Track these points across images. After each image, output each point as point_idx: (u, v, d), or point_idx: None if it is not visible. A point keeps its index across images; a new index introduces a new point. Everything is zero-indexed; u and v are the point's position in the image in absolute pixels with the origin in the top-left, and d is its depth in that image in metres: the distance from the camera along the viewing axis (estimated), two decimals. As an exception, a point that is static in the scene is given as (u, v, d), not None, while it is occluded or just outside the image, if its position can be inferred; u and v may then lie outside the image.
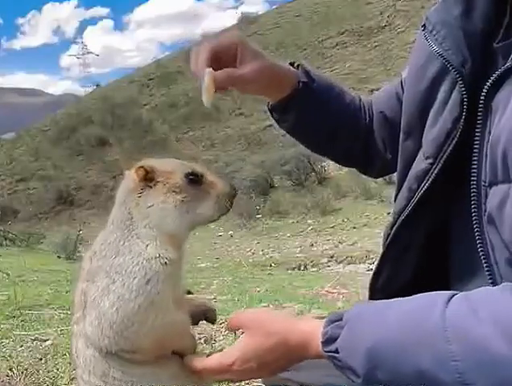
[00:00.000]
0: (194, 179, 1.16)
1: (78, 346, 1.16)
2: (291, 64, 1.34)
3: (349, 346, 0.92)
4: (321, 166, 19.29)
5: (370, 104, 1.42)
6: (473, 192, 0.99)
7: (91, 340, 1.11)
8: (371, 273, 1.31)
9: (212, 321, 1.33)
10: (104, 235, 1.17)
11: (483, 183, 0.96)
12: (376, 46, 33.32)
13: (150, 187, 1.15)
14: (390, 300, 0.97)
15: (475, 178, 0.99)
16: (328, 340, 0.95)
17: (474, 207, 0.99)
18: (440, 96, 1.08)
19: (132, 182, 1.16)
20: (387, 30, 34.19)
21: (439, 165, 1.06)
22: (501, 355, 0.76)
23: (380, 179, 14.37)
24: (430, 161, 1.08)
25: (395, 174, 1.31)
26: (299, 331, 1.01)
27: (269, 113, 1.39)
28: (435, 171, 1.07)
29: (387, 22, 34.63)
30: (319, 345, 0.97)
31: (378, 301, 1.01)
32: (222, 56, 1.20)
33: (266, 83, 1.27)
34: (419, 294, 0.94)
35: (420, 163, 1.12)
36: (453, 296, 0.87)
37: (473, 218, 0.99)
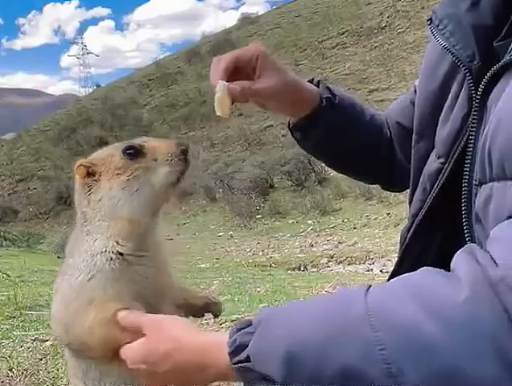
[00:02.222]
0: (134, 153, 1.09)
1: (65, 350, 1.20)
2: (310, 81, 1.30)
3: (262, 352, 0.82)
4: (321, 167, 19.24)
5: (386, 118, 1.40)
6: (465, 191, 0.98)
7: (58, 340, 1.15)
8: (387, 276, 1.29)
9: (216, 314, 1.29)
10: (69, 241, 1.19)
11: (474, 182, 0.94)
12: (376, 46, 33.28)
13: (96, 181, 1.11)
14: (302, 302, 0.92)
15: (467, 178, 0.97)
16: (237, 349, 0.85)
17: (465, 207, 0.98)
18: (451, 93, 1.06)
19: (78, 183, 1.14)
20: (387, 30, 34.17)
21: (451, 164, 1.04)
22: (428, 334, 0.70)
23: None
24: (442, 160, 1.07)
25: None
26: (196, 341, 0.93)
27: (289, 133, 1.35)
28: (447, 171, 1.05)
29: (387, 22, 34.61)
30: (224, 355, 0.86)
31: (289, 302, 0.93)
32: (243, 68, 1.17)
33: (286, 100, 1.22)
34: (322, 299, 0.91)
35: (432, 163, 1.10)
36: (371, 286, 0.81)
37: (463, 216, 0.98)
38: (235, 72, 1.15)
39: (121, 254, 1.07)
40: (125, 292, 1.08)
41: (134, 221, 1.10)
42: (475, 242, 0.96)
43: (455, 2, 1.06)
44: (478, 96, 0.97)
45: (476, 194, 0.94)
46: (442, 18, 1.07)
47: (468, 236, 0.98)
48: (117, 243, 1.08)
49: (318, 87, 1.29)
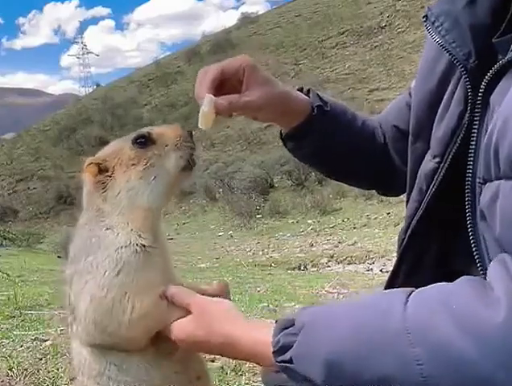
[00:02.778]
0: (143, 142, 1.10)
1: (73, 347, 1.15)
2: (300, 90, 1.29)
3: (305, 355, 0.86)
4: (321, 166, 19.25)
5: (379, 123, 1.39)
6: (468, 189, 0.97)
7: (84, 341, 1.10)
8: (387, 276, 1.29)
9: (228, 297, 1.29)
10: (75, 240, 1.15)
11: (478, 180, 0.94)
12: (376, 46, 33.29)
13: (110, 177, 1.10)
14: (344, 302, 0.91)
15: (470, 176, 0.97)
16: (281, 349, 0.88)
17: (468, 205, 0.97)
18: (447, 92, 1.06)
19: (89, 183, 1.12)
20: (387, 30, 34.17)
21: (447, 163, 1.04)
22: (465, 354, 0.73)
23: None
24: (437, 160, 1.06)
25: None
26: (246, 339, 0.96)
27: (282, 143, 1.34)
28: (443, 170, 1.05)
29: (387, 22, 34.61)
30: (268, 354, 0.90)
31: (332, 303, 0.95)
32: (229, 79, 1.16)
33: (275, 111, 1.21)
34: (372, 295, 0.92)
35: (428, 163, 1.10)
36: (410, 294, 0.83)
37: (467, 215, 0.97)
38: (221, 84, 1.14)
39: (143, 246, 1.08)
40: (152, 282, 1.09)
41: (153, 209, 1.11)
42: (479, 240, 0.96)
43: (451, 0, 1.05)
44: (480, 95, 0.96)
45: (480, 192, 0.93)
46: (438, 15, 1.05)
47: (471, 234, 0.97)
48: (139, 236, 1.08)
49: (308, 96, 1.28)
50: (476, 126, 0.97)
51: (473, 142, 0.97)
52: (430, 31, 1.05)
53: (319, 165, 1.39)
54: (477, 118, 0.97)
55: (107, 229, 1.08)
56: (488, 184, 0.89)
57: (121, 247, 1.06)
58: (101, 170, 1.10)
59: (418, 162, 1.15)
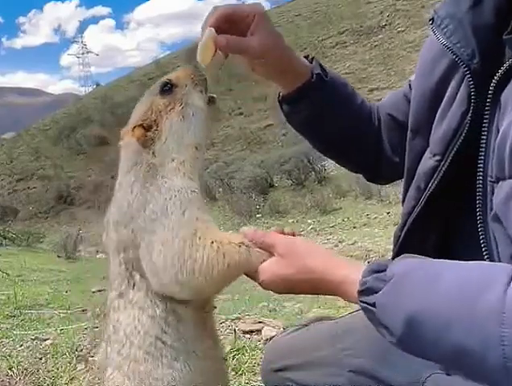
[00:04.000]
0: (168, 88, 1.19)
1: (120, 319, 1.13)
2: (306, 57, 1.30)
3: (389, 305, 0.86)
4: (321, 166, 19.25)
5: (377, 108, 1.40)
6: (479, 188, 0.98)
7: (163, 292, 1.09)
8: None
9: None
10: (117, 204, 1.16)
11: (489, 179, 0.94)
12: (376, 45, 33.27)
13: (156, 130, 1.16)
14: (441, 262, 0.89)
15: (481, 174, 0.97)
16: (366, 291, 0.90)
17: (479, 203, 0.98)
18: (449, 91, 1.06)
19: (136, 145, 1.16)
20: (387, 29, 34.15)
21: (448, 162, 1.05)
22: None
23: (380, 179, 14.33)
24: (438, 158, 1.07)
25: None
26: (336, 274, 0.98)
27: (279, 106, 1.35)
28: (444, 168, 1.06)
29: (387, 21, 34.58)
30: (354, 292, 0.92)
31: (428, 260, 0.91)
32: (238, 23, 1.16)
33: (274, 65, 1.21)
34: (475, 263, 0.88)
35: (428, 161, 1.10)
36: None
37: (478, 214, 0.98)
38: (229, 27, 1.15)
39: (197, 189, 1.15)
40: (214, 223, 1.14)
41: (200, 146, 1.19)
42: (489, 238, 0.96)
43: (456, 2, 1.07)
44: (490, 94, 0.97)
45: (492, 191, 0.94)
46: (443, 17, 1.07)
47: (481, 232, 0.98)
48: (191, 179, 1.15)
49: (311, 63, 1.29)
50: (486, 125, 0.97)
51: (484, 141, 0.97)
52: (436, 33, 1.08)
53: (311, 135, 1.38)
54: (487, 117, 0.97)
55: (162, 178, 1.13)
56: (501, 183, 0.90)
57: (181, 189, 1.12)
58: (146, 129, 1.16)
59: (416, 159, 1.15)
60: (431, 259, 0.91)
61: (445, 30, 1.06)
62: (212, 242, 1.07)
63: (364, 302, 0.90)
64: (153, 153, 1.15)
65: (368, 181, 1.50)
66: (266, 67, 1.23)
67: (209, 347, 1.17)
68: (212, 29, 1.11)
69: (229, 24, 1.15)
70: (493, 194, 0.94)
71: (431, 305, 0.82)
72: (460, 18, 1.04)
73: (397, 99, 1.37)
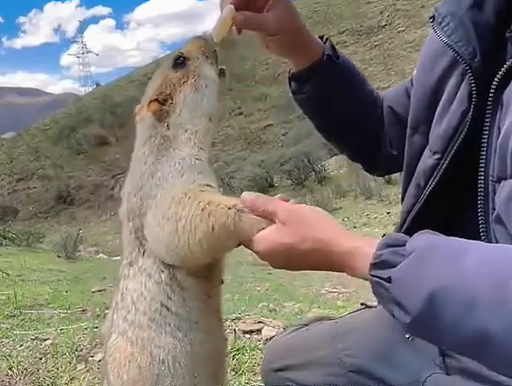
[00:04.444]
0: (180, 62, 1.21)
1: (128, 287, 1.14)
2: (320, 38, 1.30)
3: (408, 281, 0.79)
4: (321, 166, 19.27)
5: (382, 99, 1.40)
6: (480, 188, 0.97)
7: (156, 261, 1.10)
8: None
9: None
10: (131, 176, 1.18)
11: (491, 178, 0.94)
12: (376, 45, 33.27)
13: (172, 103, 1.18)
14: (465, 240, 0.83)
15: (482, 174, 0.97)
16: (381, 264, 0.83)
17: (480, 203, 0.97)
18: (449, 88, 1.06)
19: (151, 120, 1.18)
20: (387, 29, 34.15)
21: (448, 160, 1.05)
22: None
23: (380, 178, 14.36)
24: (437, 156, 1.07)
25: (398, 173, 1.29)
26: (343, 246, 0.90)
27: (287, 83, 1.35)
28: (443, 167, 1.05)
29: (387, 21, 34.58)
30: (365, 265, 0.85)
31: (451, 237, 0.85)
32: (256, 2, 1.17)
33: (288, 43, 1.22)
34: (503, 245, 0.84)
35: (427, 159, 1.10)
36: None
37: (479, 214, 0.97)
38: (247, 5, 1.16)
39: (203, 158, 1.16)
40: (216, 191, 1.13)
41: (212, 117, 1.21)
42: (490, 238, 0.96)
43: (457, 0, 1.07)
44: (491, 92, 0.97)
45: (494, 190, 0.94)
46: (444, 15, 1.07)
47: (483, 232, 0.98)
48: (201, 148, 1.17)
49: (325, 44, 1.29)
50: (487, 124, 0.97)
51: (485, 140, 0.97)
52: (436, 31, 1.07)
53: (315, 116, 1.38)
54: (488, 116, 0.97)
55: (174, 150, 1.16)
56: (503, 182, 0.90)
57: (185, 157, 1.14)
58: (161, 103, 1.18)
59: (415, 156, 1.15)
60: (449, 237, 0.85)
61: (446, 28, 1.06)
62: (200, 202, 1.04)
63: (376, 276, 0.83)
64: (167, 126, 1.18)
65: (365, 171, 1.49)
66: (280, 44, 1.23)
67: (213, 324, 1.18)
68: (232, 6, 1.13)
69: (246, 1, 1.16)
70: (494, 193, 0.94)
71: (456, 283, 0.75)
72: (460, 16, 1.04)
73: (398, 92, 1.38)
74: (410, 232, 1.12)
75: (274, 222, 0.98)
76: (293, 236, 0.94)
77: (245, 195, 1.03)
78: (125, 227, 1.18)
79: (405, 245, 0.83)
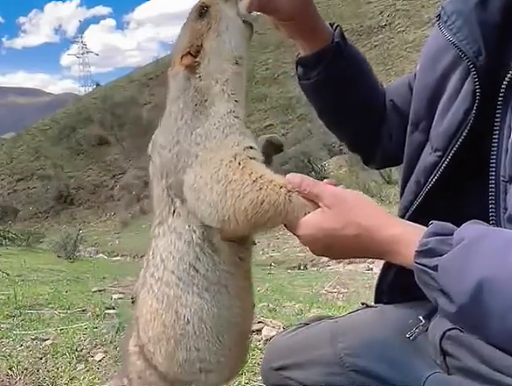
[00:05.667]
0: (204, 11, 1.19)
1: (159, 245, 1.13)
2: (331, 25, 1.31)
3: (456, 270, 0.78)
4: (321, 166, 19.27)
5: (385, 92, 1.40)
6: (491, 188, 0.97)
7: (202, 217, 1.07)
8: (378, 273, 1.29)
9: (279, 145, 1.29)
10: (165, 130, 1.16)
11: (502, 179, 0.94)
12: (376, 45, 33.28)
13: (203, 52, 1.16)
14: None
15: (493, 174, 0.97)
16: (427, 252, 0.82)
17: (492, 203, 0.97)
18: (451, 86, 1.06)
19: (184, 73, 1.16)
20: (387, 29, 34.16)
21: (449, 158, 1.04)
22: None
23: (380, 178, 14.36)
24: (439, 153, 1.07)
25: (398, 172, 1.29)
26: (387, 232, 0.89)
27: (294, 68, 1.35)
28: (444, 164, 1.05)
29: (387, 21, 34.59)
30: (409, 253, 0.84)
31: (500, 229, 0.84)
32: None
33: (299, 26, 1.23)
34: None
35: (428, 156, 1.10)
36: None
37: (490, 214, 0.97)
38: None
39: (240, 115, 1.14)
40: (258, 154, 1.11)
41: (240, 59, 1.17)
42: None
43: None
44: (502, 92, 0.96)
45: (505, 191, 0.93)
46: (450, 13, 1.07)
47: None
48: (236, 101, 1.14)
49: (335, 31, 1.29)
50: (497, 124, 0.97)
51: (495, 141, 0.97)
52: (442, 29, 1.08)
53: (319, 102, 1.38)
54: (498, 116, 0.97)
55: (210, 105, 1.13)
56: None
57: (224, 115, 1.11)
58: (194, 55, 1.16)
59: (415, 153, 1.15)
60: (496, 228, 0.84)
61: (451, 26, 1.05)
62: (251, 172, 1.03)
63: (422, 264, 0.82)
64: (199, 77, 1.15)
65: (364, 163, 1.48)
66: (291, 28, 1.24)
67: (242, 287, 1.15)
68: None
69: None
70: (505, 194, 0.94)
71: (506, 274, 0.74)
72: (467, 14, 1.04)
73: (400, 86, 1.38)
74: None
75: (319, 206, 0.97)
76: (337, 221, 0.93)
77: (291, 175, 1.02)
78: (156, 185, 1.15)
79: (452, 235, 0.82)
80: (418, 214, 1.11)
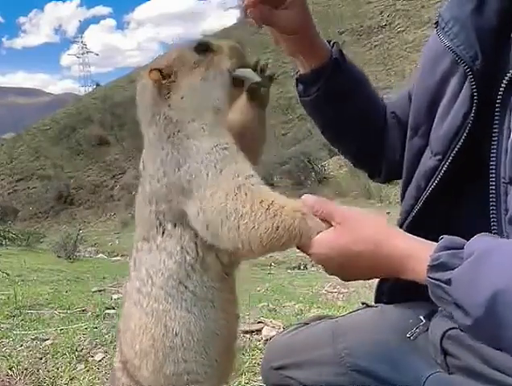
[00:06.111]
0: (203, 48, 1.16)
1: (143, 260, 1.14)
2: (329, 42, 1.31)
3: (469, 283, 0.78)
4: (321, 166, 19.27)
5: (386, 104, 1.41)
6: (492, 190, 0.97)
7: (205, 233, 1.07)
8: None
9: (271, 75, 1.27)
10: (150, 157, 1.14)
11: (502, 180, 0.94)
12: (376, 45, 33.29)
13: (173, 81, 1.13)
14: None
15: (494, 176, 0.97)
16: (439, 267, 0.82)
17: (492, 205, 0.97)
18: (450, 90, 1.07)
19: (151, 90, 1.13)
20: (387, 29, 34.17)
21: (448, 161, 1.05)
22: None
23: (380, 179, 14.35)
24: (438, 157, 1.07)
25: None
26: (395, 247, 0.90)
27: (295, 84, 1.35)
28: (444, 168, 1.06)
29: (387, 21, 34.60)
30: (421, 268, 0.84)
31: (508, 240, 0.84)
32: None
33: (298, 43, 1.23)
34: None
35: (428, 160, 1.10)
36: None
37: (491, 216, 0.97)
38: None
39: (228, 143, 1.10)
40: (257, 176, 1.09)
41: (221, 111, 1.14)
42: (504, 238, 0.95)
43: (460, 4, 1.08)
44: (499, 95, 0.97)
45: (506, 192, 0.94)
46: (447, 20, 1.08)
47: (496, 233, 0.97)
48: (220, 135, 1.11)
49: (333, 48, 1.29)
50: (496, 127, 0.98)
51: (495, 143, 0.98)
52: (440, 35, 1.09)
53: (320, 118, 1.38)
54: (497, 119, 0.98)
55: (188, 138, 1.10)
56: None
57: (211, 150, 1.08)
58: (163, 76, 1.13)
59: (415, 157, 1.16)
60: (506, 239, 0.84)
61: (449, 32, 1.07)
62: (262, 200, 1.01)
63: (435, 279, 0.82)
64: (169, 106, 1.12)
65: (369, 177, 1.49)
66: (290, 44, 1.25)
67: (228, 300, 1.18)
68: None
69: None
70: (506, 195, 0.94)
71: None
72: (463, 20, 1.06)
73: (401, 97, 1.38)
74: (409, 232, 1.13)
75: (331, 225, 0.98)
76: (348, 237, 0.94)
77: (306, 197, 1.03)
78: (143, 205, 1.15)
79: (462, 248, 0.83)
80: (419, 218, 1.12)
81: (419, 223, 1.12)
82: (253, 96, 1.24)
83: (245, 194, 1.03)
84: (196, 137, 1.10)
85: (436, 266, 0.83)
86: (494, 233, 0.97)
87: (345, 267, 0.96)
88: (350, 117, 1.33)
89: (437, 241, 1.09)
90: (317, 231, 0.99)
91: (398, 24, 33.81)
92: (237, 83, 1.17)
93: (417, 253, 0.87)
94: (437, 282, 0.83)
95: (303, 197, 1.03)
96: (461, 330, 0.89)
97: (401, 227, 1.16)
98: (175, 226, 1.11)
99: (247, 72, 1.17)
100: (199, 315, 1.12)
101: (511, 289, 0.75)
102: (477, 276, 0.78)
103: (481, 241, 0.84)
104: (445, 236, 0.87)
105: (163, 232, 1.12)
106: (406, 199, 1.17)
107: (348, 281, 1.02)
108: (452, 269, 0.81)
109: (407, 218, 1.14)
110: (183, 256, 1.11)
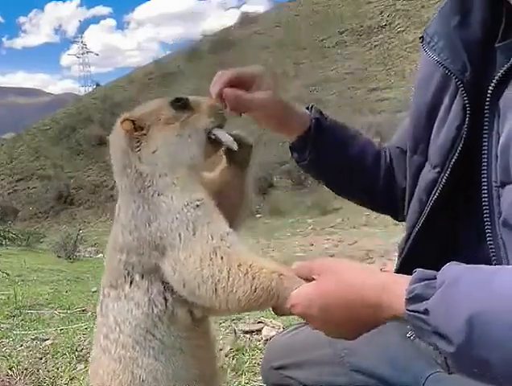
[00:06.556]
0: (181, 105, 1.13)
1: (110, 307, 1.13)
2: (308, 108, 1.32)
3: (445, 309, 0.80)
4: (321, 166, 19.26)
5: (388, 148, 1.40)
6: (484, 194, 0.98)
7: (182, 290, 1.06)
8: None
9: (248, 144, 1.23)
10: (124, 205, 1.12)
11: (494, 184, 0.95)
12: (376, 45, 33.29)
13: (145, 134, 1.10)
14: (487, 266, 0.84)
15: (485, 180, 0.98)
16: (415, 298, 0.83)
17: (485, 209, 0.98)
18: (445, 102, 1.08)
19: (123, 140, 1.11)
20: (387, 29, 34.16)
21: (447, 172, 1.06)
22: None
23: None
24: (437, 169, 1.09)
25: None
26: (374, 285, 0.90)
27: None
28: (444, 180, 1.07)
29: (387, 21, 34.60)
30: (400, 304, 0.85)
31: (474, 265, 0.85)
32: (244, 84, 1.18)
33: (275, 117, 1.25)
34: None
35: (428, 174, 1.12)
36: None
37: (485, 220, 0.98)
38: (235, 86, 1.16)
39: (200, 200, 1.07)
40: (232, 233, 1.07)
41: (195, 167, 1.12)
42: (498, 244, 0.96)
43: (445, 20, 1.10)
44: (487, 101, 0.98)
45: (498, 196, 0.95)
46: (432, 35, 1.11)
47: (490, 239, 0.98)
48: (192, 191, 1.08)
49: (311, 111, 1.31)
50: (486, 132, 0.99)
51: (485, 148, 0.99)
52: (426, 50, 1.11)
53: (321, 178, 1.40)
54: (486, 124, 0.99)
55: (159, 195, 1.07)
56: (507, 187, 0.91)
57: (181, 209, 1.05)
58: (136, 128, 1.10)
59: (416, 174, 1.17)
60: (475, 265, 0.86)
61: (435, 47, 1.09)
62: (240, 265, 1.00)
63: (412, 311, 0.83)
64: (139, 158, 1.10)
65: (395, 219, 1.45)
66: (267, 120, 1.26)
67: (199, 346, 1.16)
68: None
69: (237, 84, 1.16)
70: (498, 199, 0.95)
71: (492, 305, 0.75)
72: (448, 34, 1.08)
73: (402, 132, 1.38)
74: (415, 245, 1.15)
75: (313, 279, 0.98)
76: (326, 283, 0.94)
77: (298, 265, 1.05)
78: (112, 253, 1.13)
79: (435, 278, 0.84)
80: (424, 231, 1.13)
81: (424, 237, 1.13)
82: (230, 158, 1.22)
83: (221, 258, 1.00)
84: (166, 193, 1.07)
85: (413, 298, 0.83)
86: (488, 237, 0.98)
87: (327, 313, 0.95)
88: (349, 168, 1.34)
89: (443, 257, 1.11)
90: (294, 289, 0.99)
91: (398, 24, 33.81)
92: (213, 141, 1.15)
93: (393, 290, 0.87)
94: (415, 314, 0.83)
95: (294, 265, 1.05)
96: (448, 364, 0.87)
97: (406, 242, 1.17)
98: (142, 277, 1.10)
99: (224, 136, 1.14)
100: (166, 363, 1.11)
101: (485, 309, 0.76)
102: (451, 303, 0.79)
103: (450, 269, 0.85)
104: (418, 269, 0.88)
105: (131, 282, 1.11)
106: (410, 213, 1.18)
107: (333, 335, 1.01)
108: (427, 299, 0.82)
109: (412, 232, 1.15)
110: (150, 307, 1.10)
